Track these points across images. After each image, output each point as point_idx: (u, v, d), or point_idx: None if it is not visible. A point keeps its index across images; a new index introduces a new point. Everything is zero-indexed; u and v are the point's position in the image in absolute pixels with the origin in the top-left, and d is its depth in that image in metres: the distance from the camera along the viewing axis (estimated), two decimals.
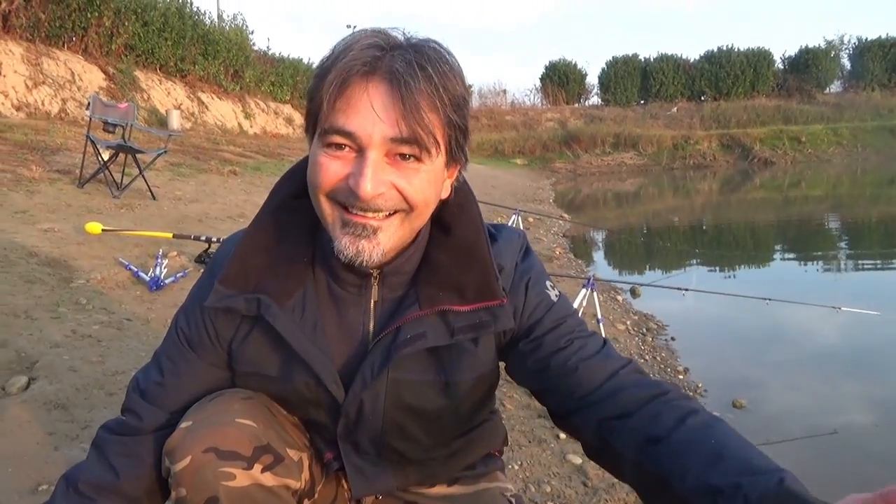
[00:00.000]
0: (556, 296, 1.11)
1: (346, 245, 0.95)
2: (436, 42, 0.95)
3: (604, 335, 3.85)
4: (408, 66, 0.89)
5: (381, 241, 0.95)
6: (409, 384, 1.05)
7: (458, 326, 1.02)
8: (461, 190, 1.08)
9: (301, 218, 1.07)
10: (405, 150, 0.91)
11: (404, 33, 0.94)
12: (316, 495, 1.17)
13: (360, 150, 0.91)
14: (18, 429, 2.01)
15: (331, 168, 0.92)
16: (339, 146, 0.91)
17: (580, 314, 4.08)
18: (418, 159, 0.92)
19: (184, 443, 0.99)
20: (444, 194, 1.03)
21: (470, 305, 1.03)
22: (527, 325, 1.07)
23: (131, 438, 1.08)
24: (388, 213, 0.94)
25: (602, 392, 0.99)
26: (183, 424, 1.01)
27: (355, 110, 0.89)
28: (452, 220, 1.07)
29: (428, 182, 0.95)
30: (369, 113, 0.89)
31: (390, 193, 0.92)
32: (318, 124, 0.94)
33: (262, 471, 1.01)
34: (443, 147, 0.95)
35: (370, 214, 0.93)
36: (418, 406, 1.07)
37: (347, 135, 0.90)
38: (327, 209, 0.96)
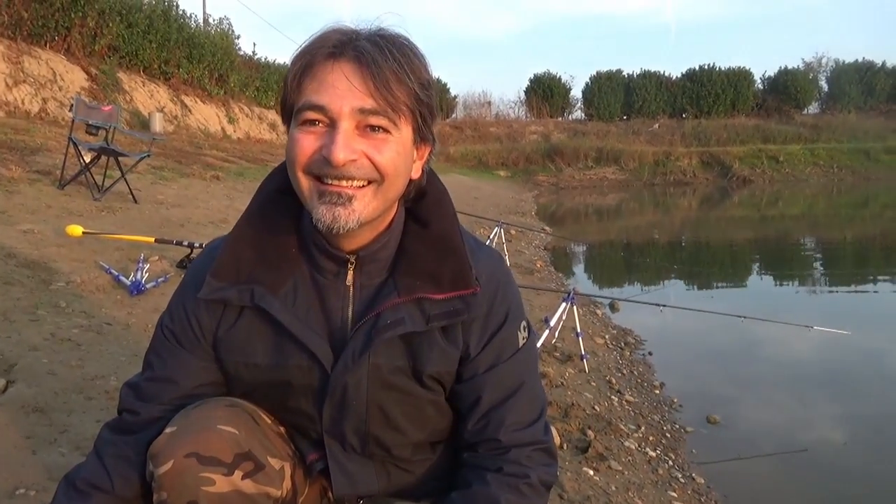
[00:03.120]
0: (525, 338, 1.16)
1: (322, 213, 0.99)
2: (400, 34, 1.01)
3: (583, 349, 3.90)
4: (374, 46, 0.96)
5: (356, 208, 0.99)
6: (387, 368, 1.09)
7: (433, 314, 1.07)
8: (437, 188, 1.15)
9: (286, 211, 1.12)
10: (374, 121, 0.97)
11: (369, 27, 1.00)
12: None
13: (332, 123, 0.96)
14: None
15: (305, 142, 0.98)
16: (313, 122, 0.97)
17: (559, 327, 4.14)
18: (387, 131, 0.98)
19: (167, 447, 1.01)
20: (416, 175, 1.08)
21: (445, 294, 1.08)
22: (479, 356, 1.12)
23: (128, 438, 1.10)
24: (361, 185, 0.99)
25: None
26: (168, 429, 1.04)
27: (325, 86, 0.96)
28: (429, 214, 1.13)
29: (397, 153, 1.00)
30: (339, 87, 0.95)
31: (362, 162, 0.97)
32: (290, 110, 1.00)
33: (243, 478, 1.03)
34: (410, 122, 1.00)
35: (344, 183, 0.98)
36: (396, 387, 1.10)
37: (319, 108, 0.96)
38: (305, 183, 1.00)
